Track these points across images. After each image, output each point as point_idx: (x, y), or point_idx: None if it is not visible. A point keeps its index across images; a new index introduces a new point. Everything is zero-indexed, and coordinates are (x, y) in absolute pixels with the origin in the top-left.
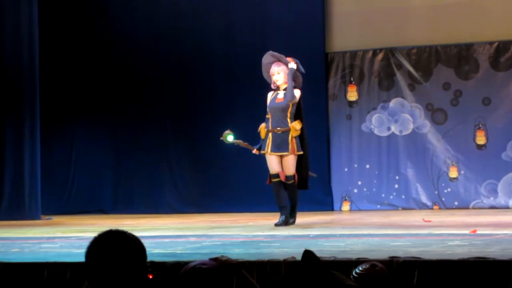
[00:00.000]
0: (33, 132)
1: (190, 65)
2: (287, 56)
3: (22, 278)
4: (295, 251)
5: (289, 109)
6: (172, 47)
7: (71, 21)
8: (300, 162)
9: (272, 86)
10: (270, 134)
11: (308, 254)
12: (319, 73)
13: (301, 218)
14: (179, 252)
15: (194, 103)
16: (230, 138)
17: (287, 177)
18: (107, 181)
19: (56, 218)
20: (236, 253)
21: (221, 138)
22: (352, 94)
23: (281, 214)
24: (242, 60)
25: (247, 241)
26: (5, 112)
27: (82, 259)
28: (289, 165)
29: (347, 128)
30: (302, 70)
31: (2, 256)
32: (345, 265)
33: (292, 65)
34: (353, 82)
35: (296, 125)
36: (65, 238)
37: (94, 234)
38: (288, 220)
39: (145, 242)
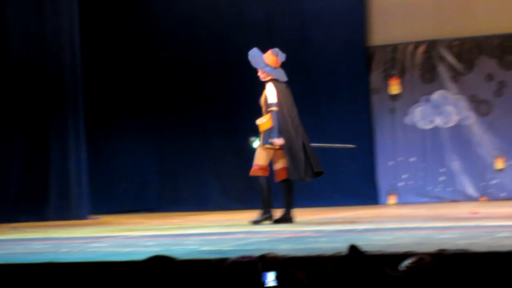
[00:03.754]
0: (78, 132)
1: (231, 62)
2: (266, 51)
3: (72, 278)
4: (343, 246)
5: (263, 108)
6: (214, 46)
7: (113, 20)
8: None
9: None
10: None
11: (353, 248)
12: (361, 67)
13: (347, 212)
14: (226, 249)
15: (237, 100)
16: (254, 144)
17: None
18: (153, 180)
19: (103, 218)
20: (284, 249)
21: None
22: (395, 88)
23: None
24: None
25: (294, 237)
26: (50, 114)
27: (130, 258)
28: (256, 155)
29: (390, 121)
30: (282, 58)
31: (52, 256)
32: (393, 258)
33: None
34: (395, 76)
35: (260, 120)
36: (113, 237)
37: (142, 233)
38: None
39: (193, 240)
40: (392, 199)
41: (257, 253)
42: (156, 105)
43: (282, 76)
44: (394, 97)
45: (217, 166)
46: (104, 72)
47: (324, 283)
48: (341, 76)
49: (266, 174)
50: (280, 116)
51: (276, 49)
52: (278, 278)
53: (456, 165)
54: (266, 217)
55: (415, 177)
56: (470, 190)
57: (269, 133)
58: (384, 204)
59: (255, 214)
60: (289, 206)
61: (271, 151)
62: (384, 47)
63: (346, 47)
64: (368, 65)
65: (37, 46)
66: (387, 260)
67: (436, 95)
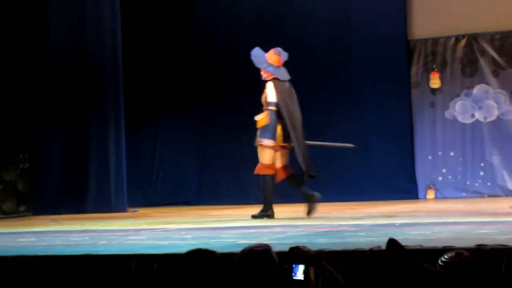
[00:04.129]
0: (118, 125)
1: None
2: (268, 50)
3: (110, 270)
4: (381, 240)
5: (264, 106)
6: (253, 39)
7: (154, 14)
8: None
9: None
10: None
11: (392, 242)
12: (401, 61)
13: (386, 207)
14: (264, 242)
15: None
16: None
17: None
18: (192, 173)
19: (141, 210)
20: (321, 243)
21: None
22: (435, 82)
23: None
24: (323, 50)
25: (331, 231)
26: (90, 107)
27: (168, 250)
28: (258, 154)
29: (430, 115)
30: (284, 57)
31: (90, 248)
32: (431, 253)
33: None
34: (435, 69)
35: (258, 116)
36: (151, 230)
37: (180, 226)
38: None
39: (230, 233)
40: (431, 194)
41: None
42: (195, 98)
43: (285, 75)
44: (435, 91)
45: (256, 159)
46: (144, 65)
47: (361, 277)
48: (382, 70)
49: (271, 172)
50: (276, 116)
51: (279, 49)
52: (305, 272)
53: (496, 159)
54: (266, 214)
55: (454, 171)
56: (510, 185)
57: (265, 129)
58: (423, 198)
59: (294, 208)
60: (307, 197)
61: (272, 149)
62: (425, 40)
63: (387, 41)
64: (409, 58)
65: (78, 40)
66: (425, 255)
67: (477, 89)
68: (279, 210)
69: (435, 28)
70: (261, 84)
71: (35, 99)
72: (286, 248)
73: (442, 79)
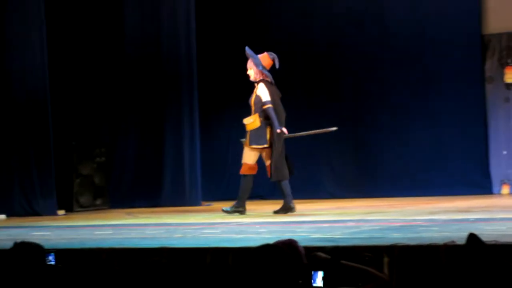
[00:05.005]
0: (192, 120)
1: (342, 53)
2: (261, 52)
3: (185, 263)
4: (455, 235)
5: (253, 107)
6: (325, 36)
7: (228, 8)
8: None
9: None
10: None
11: (472, 237)
12: (475, 56)
13: (460, 202)
14: (337, 237)
15: (348, 88)
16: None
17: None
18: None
19: (216, 204)
20: (395, 237)
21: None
22: (510, 77)
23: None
24: (396, 46)
25: (405, 226)
26: (165, 102)
27: (242, 244)
28: (243, 155)
29: (505, 110)
30: (277, 65)
31: (166, 241)
32: (507, 248)
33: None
34: (510, 64)
35: (247, 119)
36: (225, 223)
37: (254, 220)
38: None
39: (304, 227)
40: (505, 189)
41: (368, 242)
42: None
43: (272, 79)
44: (509, 86)
45: (329, 154)
46: (217, 58)
47: (439, 272)
48: (456, 64)
49: (254, 172)
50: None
51: (273, 54)
52: (324, 279)
53: None
54: (238, 210)
55: None
56: None
57: (256, 133)
58: (497, 194)
59: (367, 202)
60: (286, 196)
61: (258, 151)
62: (499, 35)
63: (461, 36)
64: (483, 53)
65: (153, 35)
66: (501, 250)
67: None
68: (358, 204)
69: (510, 23)
70: (332, 79)
71: (112, 94)
72: (359, 243)
73: None
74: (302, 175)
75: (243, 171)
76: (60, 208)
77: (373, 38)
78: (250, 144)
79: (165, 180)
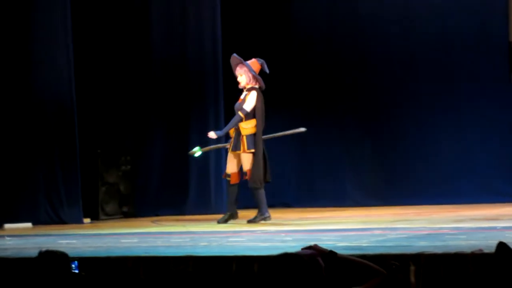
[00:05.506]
0: (218, 128)
1: (369, 56)
2: (249, 59)
3: (211, 271)
4: (482, 244)
5: (240, 111)
6: (351, 39)
7: (254, 13)
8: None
9: (239, 86)
10: (233, 133)
11: (502, 246)
12: (502, 62)
13: (486, 210)
14: (364, 245)
15: (373, 94)
16: (198, 153)
17: (243, 173)
18: (290, 175)
19: (241, 212)
20: (422, 245)
21: (191, 154)
22: None
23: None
24: (422, 50)
25: (432, 234)
26: (190, 110)
27: (268, 252)
28: (244, 162)
29: None
30: (267, 70)
31: (191, 249)
32: None
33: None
34: None
35: (246, 124)
36: (251, 231)
37: (279, 228)
38: (226, 219)
39: (330, 236)
40: None
41: (395, 250)
42: (293, 99)
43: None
44: None
45: (354, 161)
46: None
47: (463, 281)
48: (483, 70)
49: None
50: (258, 127)
51: (261, 59)
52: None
53: None
54: (264, 217)
55: None
56: None
57: (251, 138)
58: None
59: (392, 210)
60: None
61: (252, 155)
62: None
63: (488, 42)
64: (510, 59)
65: (179, 42)
66: None
67: None
68: (383, 212)
69: None
70: (358, 83)
71: (138, 102)
72: (386, 251)
73: None
74: (328, 183)
75: (249, 177)
76: (86, 216)
77: (397, 44)
78: (248, 148)
79: (191, 188)
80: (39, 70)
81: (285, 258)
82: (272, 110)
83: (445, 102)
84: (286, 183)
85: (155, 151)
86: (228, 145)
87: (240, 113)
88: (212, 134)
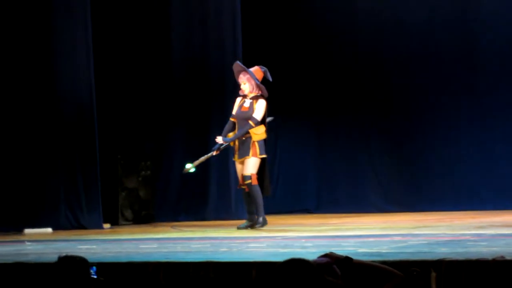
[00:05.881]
0: None
1: (390, 59)
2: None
3: (231, 277)
4: (504, 250)
5: (244, 120)
6: (371, 43)
7: (275, 18)
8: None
9: (240, 93)
10: (236, 141)
11: None
12: None
13: (508, 216)
14: (384, 251)
15: (395, 100)
16: (192, 169)
17: (244, 177)
18: (311, 181)
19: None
20: (443, 252)
21: (186, 171)
22: None
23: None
24: (449, 54)
25: (453, 240)
26: (210, 114)
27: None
28: (248, 165)
29: None
30: (270, 78)
31: (211, 255)
32: None
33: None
34: None
35: (257, 130)
36: (271, 237)
37: (299, 234)
38: (252, 225)
39: (350, 242)
40: None
41: (416, 257)
42: (315, 106)
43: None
44: None
45: (375, 168)
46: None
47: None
48: (509, 75)
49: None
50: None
51: (264, 67)
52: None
53: None
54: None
55: None
56: None
57: (263, 143)
58: None
59: (413, 216)
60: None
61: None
62: None
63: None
64: None
65: (200, 46)
66: None
67: None
68: (404, 218)
69: None
70: (379, 88)
71: (158, 108)
72: (406, 257)
73: None
74: (348, 189)
75: (254, 181)
76: (106, 222)
77: (420, 50)
78: (260, 154)
79: (211, 194)
80: (59, 76)
81: (291, 264)
82: (292, 115)
83: (467, 108)
84: (306, 189)
85: (175, 156)
86: (215, 153)
87: (251, 122)
88: (220, 139)
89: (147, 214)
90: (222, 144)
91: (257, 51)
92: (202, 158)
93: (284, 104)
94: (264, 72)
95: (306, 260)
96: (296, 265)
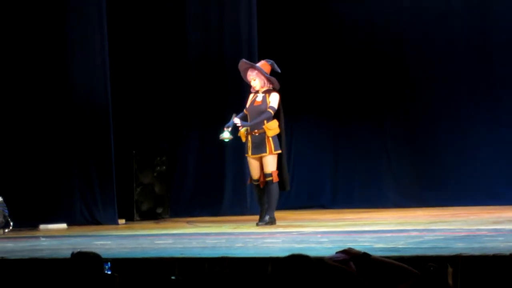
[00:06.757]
0: None
1: (407, 61)
2: (259, 61)
3: (247, 272)
4: None
5: (256, 112)
6: (390, 40)
7: (290, 16)
8: (280, 162)
9: (252, 90)
10: (249, 137)
11: None
12: None
13: None
14: (400, 246)
15: (412, 95)
16: (227, 138)
17: (265, 175)
18: (326, 176)
19: (277, 214)
20: (459, 247)
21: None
22: None
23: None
24: (463, 51)
25: (470, 235)
26: (226, 111)
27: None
28: (268, 163)
29: None
30: (278, 69)
31: (227, 250)
32: None
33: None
34: None
35: (271, 125)
36: (286, 233)
37: (315, 229)
38: (268, 220)
39: (366, 237)
40: None
41: (432, 252)
42: (330, 101)
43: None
44: None
45: (391, 163)
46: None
47: (501, 282)
48: None
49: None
50: (282, 127)
51: (271, 60)
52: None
53: None
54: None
55: None
56: None
57: (276, 139)
58: None
59: (429, 211)
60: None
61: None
62: None
63: None
64: None
65: (216, 39)
66: None
67: None
68: (420, 213)
69: None
70: (393, 85)
71: (173, 103)
72: (423, 253)
73: None
74: (364, 184)
75: (275, 178)
76: (121, 217)
77: (438, 51)
78: (275, 149)
79: (226, 189)
80: (74, 72)
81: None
82: (308, 111)
83: (484, 104)
84: (322, 184)
85: (190, 151)
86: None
87: (270, 110)
88: (237, 120)
89: (162, 210)
90: (235, 124)
91: (273, 48)
92: (229, 124)
93: (300, 100)
94: (271, 65)
95: (306, 256)
96: (295, 261)
